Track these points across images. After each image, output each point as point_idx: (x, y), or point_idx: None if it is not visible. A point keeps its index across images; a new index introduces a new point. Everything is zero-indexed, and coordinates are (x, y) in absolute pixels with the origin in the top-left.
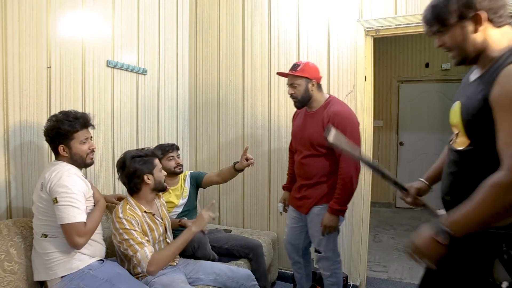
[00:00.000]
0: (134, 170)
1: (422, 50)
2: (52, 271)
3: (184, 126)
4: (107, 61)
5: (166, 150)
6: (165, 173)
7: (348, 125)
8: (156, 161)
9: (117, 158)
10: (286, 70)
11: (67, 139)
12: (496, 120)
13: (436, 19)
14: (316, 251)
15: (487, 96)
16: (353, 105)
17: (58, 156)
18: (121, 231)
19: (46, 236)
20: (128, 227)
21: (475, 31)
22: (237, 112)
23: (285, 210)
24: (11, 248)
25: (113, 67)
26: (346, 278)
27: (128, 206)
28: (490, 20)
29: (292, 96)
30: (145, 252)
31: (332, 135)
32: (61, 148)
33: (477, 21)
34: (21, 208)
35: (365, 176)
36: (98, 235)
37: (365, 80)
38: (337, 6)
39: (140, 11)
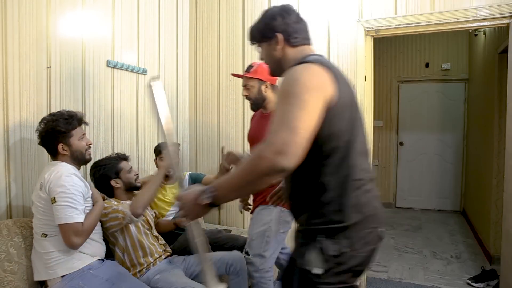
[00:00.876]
0: (100, 178)
1: (422, 50)
2: (52, 270)
3: (184, 126)
4: (107, 61)
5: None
6: (137, 172)
7: None
8: (122, 164)
9: None
10: None
11: (66, 137)
12: None
13: (252, 36)
14: (245, 252)
15: None
16: None
17: (57, 156)
18: (105, 212)
19: (46, 235)
20: (108, 207)
21: (275, 49)
22: (237, 112)
23: (246, 209)
24: (11, 248)
25: (113, 67)
26: None
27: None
28: (287, 41)
29: (246, 97)
30: (126, 203)
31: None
32: (60, 147)
33: (276, 41)
34: (21, 208)
35: None
36: (97, 235)
37: (365, 80)
38: (337, 6)
39: (140, 11)
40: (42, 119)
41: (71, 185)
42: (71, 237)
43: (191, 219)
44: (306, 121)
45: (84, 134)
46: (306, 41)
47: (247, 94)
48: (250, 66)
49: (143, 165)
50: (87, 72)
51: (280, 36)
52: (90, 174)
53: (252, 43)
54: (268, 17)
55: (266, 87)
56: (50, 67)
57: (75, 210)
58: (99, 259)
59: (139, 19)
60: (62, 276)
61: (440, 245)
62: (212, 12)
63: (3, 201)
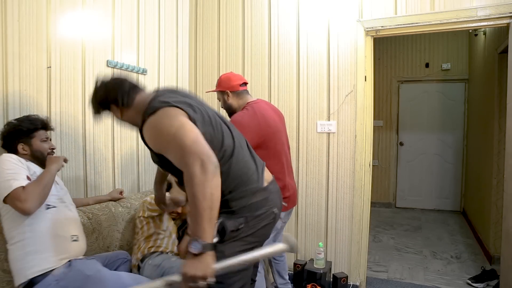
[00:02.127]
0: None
1: (422, 50)
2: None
3: None
4: (107, 61)
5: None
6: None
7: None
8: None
9: (117, 158)
10: (286, 70)
11: (28, 137)
12: None
13: (96, 111)
14: None
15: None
16: (353, 105)
17: (18, 154)
18: None
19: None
20: None
21: (118, 115)
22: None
23: None
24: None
25: (113, 67)
26: (346, 278)
27: None
28: (121, 106)
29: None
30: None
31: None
32: (20, 146)
33: (116, 109)
34: None
35: (365, 176)
36: (66, 227)
37: (365, 80)
38: (337, 6)
39: (140, 11)
40: (8, 122)
41: (8, 161)
42: (16, 204)
43: (202, 278)
44: (192, 139)
45: (47, 138)
46: (134, 94)
47: (221, 105)
48: (217, 82)
49: (143, 165)
50: (87, 72)
51: (113, 107)
52: None
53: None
54: (99, 98)
55: (228, 95)
56: (50, 67)
57: (13, 180)
58: (67, 261)
59: (139, 19)
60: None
61: (440, 245)
62: (212, 12)
63: None
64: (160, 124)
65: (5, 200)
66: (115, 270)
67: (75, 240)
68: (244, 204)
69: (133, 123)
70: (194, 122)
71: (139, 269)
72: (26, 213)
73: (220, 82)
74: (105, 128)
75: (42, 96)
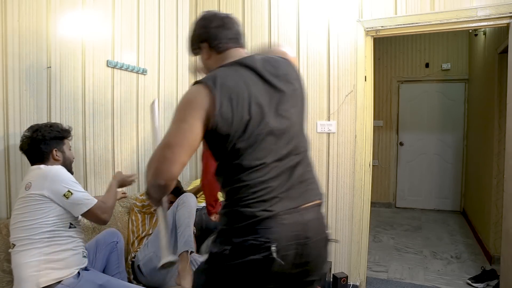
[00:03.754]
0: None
1: (422, 50)
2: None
3: None
4: (107, 61)
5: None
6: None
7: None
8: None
9: (117, 158)
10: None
11: (61, 143)
12: None
13: (189, 45)
14: None
15: None
16: (353, 105)
17: (46, 162)
18: None
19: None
20: None
21: (206, 56)
22: None
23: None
24: (10, 248)
25: (113, 67)
26: (346, 278)
27: None
28: (213, 48)
29: None
30: None
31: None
32: (55, 152)
33: (203, 50)
34: None
35: (365, 176)
36: (71, 243)
37: (365, 80)
38: (337, 6)
39: (140, 11)
40: (33, 126)
41: (70, 174)
42: (100, 216)
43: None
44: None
45: (70, 147)
46: (232, 44)
47: None
48: None
49: (143, 165)
50: (87, 72)
51: (204, 45)
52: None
53: (191, 52)
54: (192, 30)
55: None
56: (50, 67)
57: (87, 194)
58: (76, 272)
59: (139, 19)
60: None
61: (440, 245)
62: None
63: (3, 201)
64: (183, 98)
65: (89, 211)
66: (108, 257)
67: (84, 257)
68: (229, 218)
69: (207, 72)
70: (216, 106)
71: (133, 265)
72: (105, 223)
73: None
74: (105, 128)
75: (42, 96)
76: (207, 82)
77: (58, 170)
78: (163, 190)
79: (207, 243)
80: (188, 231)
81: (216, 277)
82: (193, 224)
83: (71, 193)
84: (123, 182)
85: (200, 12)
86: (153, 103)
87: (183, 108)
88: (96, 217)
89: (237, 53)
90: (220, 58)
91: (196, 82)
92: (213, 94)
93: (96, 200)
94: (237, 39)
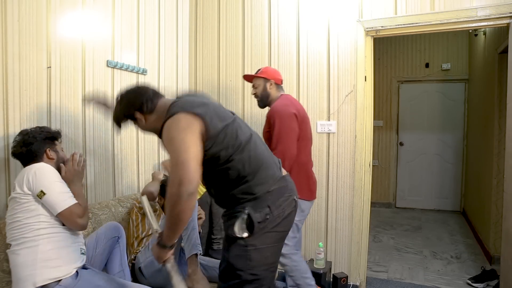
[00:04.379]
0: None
1: (422, 50)
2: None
3: None
4: (107, 61)
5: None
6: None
7: (276, 116)
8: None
9: (117, 158)
10: (286, 69)
11: (53, 144)
12: None
13: (118, 123)
14: None
15: None
16: (353, 105)
17: (39, 161)
18: None
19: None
20: None
21: (145, 120)
22: (237, 112)
23: None
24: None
25: (113, 67)
26: (346, 278)
27: None
28: (145, 112)
29: (254, 96)
30: None
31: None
32: (48, 151)
33: (140, 117)
34: None
35: (365, 176)
36: (68, 239)
37: (365, 80)
38: (337, 6)
39: (140, 11)
40: (23, 131)
41: (54, 173)
42: (76, 220)
43: (159, 261)
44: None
45: (62, 149)
46: (156, 99)
47: (255, 92)
48: (258, 70)
49: (143, 166)
50: (87, 72)
51: (138, 114)
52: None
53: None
54: (124, 107)
55: (271, 84)
56: (50, 67)
57: (67, 193)
58: (75, 271)
59: (139, 19)
60: None
61: (440, 245)
62: (212, 12)
63: (3, 200)
64: (170, 129)
65: (61, 214)
66: (109, 254)
67: (83, 253)
68: (267, 189)
69: (154, 129)
70: (206, 122)
71: (133, 267)
72: (83, 228)
73: (266, 71)
74: (105, 128)
75: (42, 96)
76: (178, 111)
77: (41, 166)
78: (190, 200)
79: (238, 222)
80: (194, 234)
81: (264, 244)
82: (197, 225)
83: (44, 194)
84: (75, 173)
85: (200, 12)
86: (141, 196)
87: (176, 134)
88: (71, 221)
89: (166, 101)
90: (155, 115)
91: (172, 114)
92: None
93: (72, 203)
94: (156, 95)
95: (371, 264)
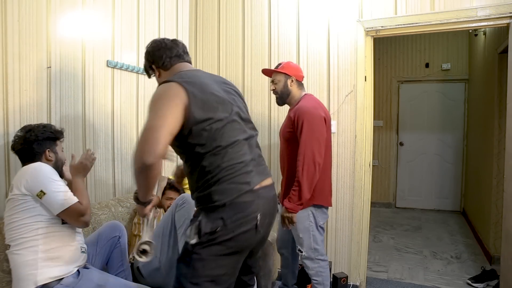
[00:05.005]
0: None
1: (422, 50)
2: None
3: None
4: (107, 61)
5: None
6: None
7: (305, 118)
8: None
9: (117, 158)
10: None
11: (54, 144)
12: None
13: (145, 71)
14: (298, 250)
15: None
16: (353, 105)
17: (38, 161)
18: None
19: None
20: None
21: (158, 75)
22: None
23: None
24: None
25: (113, 67)
26: (346, 278)
27: None
28: (161, 67)
29: (273, 92)
30: None
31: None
32: (47, 152)
33: (155, 70)
34: None
35: (365, 176)
36: (68, 237)
37: (365, 80)
38: (337, 6)
39: (140, 11)
40: (26, 126)
41: (53, 172)
42: (79, 218)
43: (140, 215)
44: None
45: (63, 149)
46: (176, 60)
47: (274, 88)
48: (279, 64)
49: None
50: (87, 72)
51: (154, 66)
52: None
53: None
54: (145, 54)
55: (292, 81)
56: (50, 67)
57: (68, 192)
58: (76, 270)
59: (139, 19)
60: None
61: (440, 245)
62: (212, 12)
63: (3, 200)
64: (157, 93)
65: (62, 213)
66: (109, 253)
67: (83, 252)
68: (227, 200)
69: None
70: (190, 103)
71: (132, 267)
72: (86, 225)
73: (288, 66)
74: (105, 128)
75: (42, 96)
76: (175, 80)
77: (38, 166)
78: (149, 173)
79: (192, 227)
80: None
81: (209, 255)
82: None
83: (44, 193)
84: (83, 166)
85: (200, 12)
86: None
87: (159, 99)
88: (74, 219)
89: (183, 66)
90: (168, 74)
91: (168, 81)
92: (184, 87)
93: (74, 201)
94: (179, 56)
95: (371, 264)
